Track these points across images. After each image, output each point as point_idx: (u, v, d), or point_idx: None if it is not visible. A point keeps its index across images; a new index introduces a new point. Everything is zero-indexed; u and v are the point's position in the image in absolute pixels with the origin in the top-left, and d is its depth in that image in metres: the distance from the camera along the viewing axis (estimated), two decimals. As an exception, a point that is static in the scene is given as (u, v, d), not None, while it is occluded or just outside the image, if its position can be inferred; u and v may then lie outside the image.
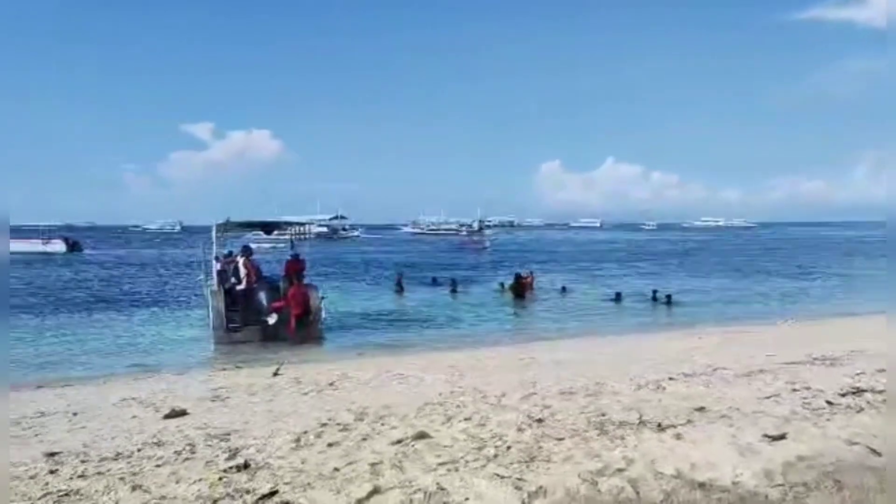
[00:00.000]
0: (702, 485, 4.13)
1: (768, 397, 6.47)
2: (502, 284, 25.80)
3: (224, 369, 11.73)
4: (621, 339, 14.86)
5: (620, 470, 4.38)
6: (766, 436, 5.02)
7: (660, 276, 33.49)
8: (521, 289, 24.18)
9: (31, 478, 4.68)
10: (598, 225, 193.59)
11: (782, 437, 5.01)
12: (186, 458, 5.04)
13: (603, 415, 5.91)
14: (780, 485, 4.10)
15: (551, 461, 4.61)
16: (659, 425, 5.42)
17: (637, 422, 5.58)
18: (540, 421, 5.79)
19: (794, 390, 6.77)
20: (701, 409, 6.03)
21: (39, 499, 4.22)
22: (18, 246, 58.71)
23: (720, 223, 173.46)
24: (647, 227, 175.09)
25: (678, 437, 5.10)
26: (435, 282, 29.00)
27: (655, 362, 9.51)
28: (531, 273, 25.86)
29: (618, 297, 23.26)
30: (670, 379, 7.73)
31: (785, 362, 8.67)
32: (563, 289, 26.00)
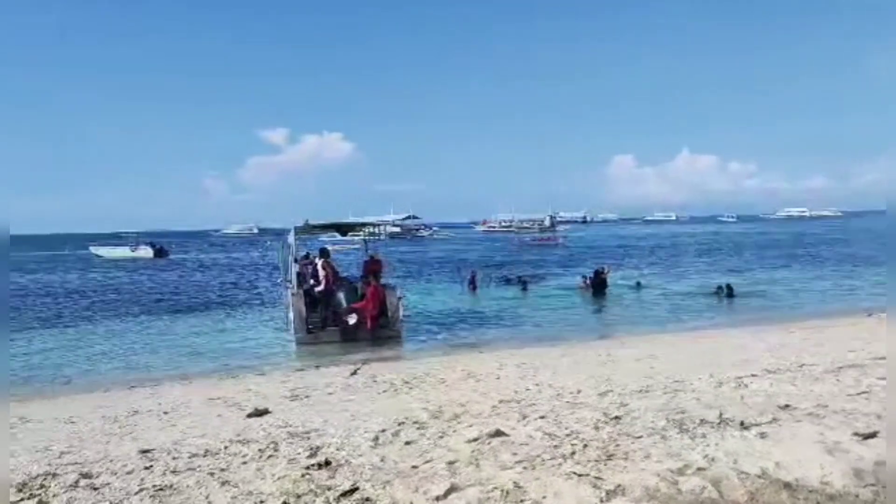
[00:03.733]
0: (788, 485, 4.00)
1: (858, 394, 6.19)
2: (584, 277, 25.44)
3: (304, 369, 12.04)
4: (699, 335, 14.49)
5: (702, 469, 4.29)
6: (856, 434, 4.82)
7: (738, 270, 32.46)
8: (600, 284, 23.87)
9: (128, 473, 4.93)
10: (674, 218, 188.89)
11: (873, 435, 4.79)
12: (270, 456, 5.21)
13: (682, 413, 5.78)
14: (871, 485, 3.93)
15: (629, 459, 4.55)
16: (742, 423, 5.28)
17: (718, 420, 5.44)
18: (617, 419, 5.72)
19: (887, 386, 6.46)
20: (786, 406, 5.83)
21: (136, 493, 4.45)
22: (109, 252, 62.18)
23: (805, 213, 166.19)
24: (725, 220, 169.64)
25: (762, 435, 4.94)
26: (507, 280, 28.97)
27: (737, 358, 9.25)
28: (604, 269, 25.48)
29: (730, 292, 22.20)
30: (753, 376, 7.50)
31: (876, 357, 8.27)
32: (638, 284, 25.55)
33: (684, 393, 6.77)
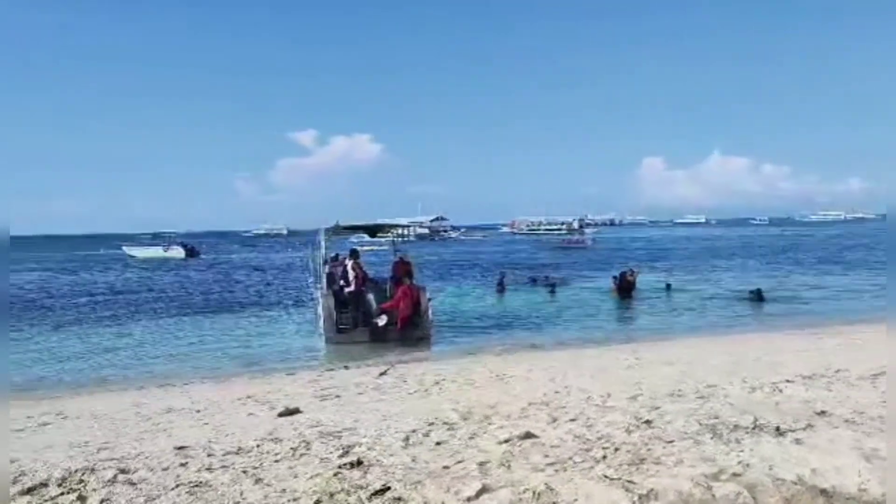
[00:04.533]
0: (824, 491, 3.95)
1: (896, 400, 6.08)
2: (615, 278, 25.20)
3: (333, 370, 12.11)
4: (731, 338, 14.29)
5: (736, 475, 4.25)
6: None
7: (769, 274, 31.97)
8: (627, 287, 23.70)
9: (164, 469, 5.02)
10: (704, 221, 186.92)
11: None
12: (302, 454, 5.27)
13: (715, 418, 5.73)
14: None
15: (662, 464, 4.52)
16: (777, 429, 5.21)
17: (752, 425, 5.38)
18: (648, 423, 5.69)
19: (927, 393, 6.32)
20: (822, 412, 5.75)
21: (173, 489, 4.53)
22: (142, 253, 63.26)
23: (840, 216, 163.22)
24: (757, 223, 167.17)
25: (798, 441, 4.88)
26: (535, 281, 28.87)
27: (770, 364, 9.11)
28: (632, 271, 25.24)
29: (760, 296, 21.79)
30: (787, 381, 7.40)
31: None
32: (668, 287, 25.27)
33: (717, 397, 6.70)
